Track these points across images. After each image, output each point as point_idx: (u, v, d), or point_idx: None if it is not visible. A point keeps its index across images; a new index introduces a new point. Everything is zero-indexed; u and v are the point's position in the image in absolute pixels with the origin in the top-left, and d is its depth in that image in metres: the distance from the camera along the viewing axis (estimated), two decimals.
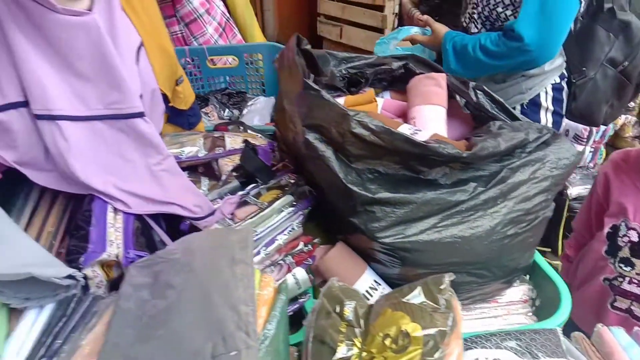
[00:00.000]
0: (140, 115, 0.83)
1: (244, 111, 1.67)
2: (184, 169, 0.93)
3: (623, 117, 1.94)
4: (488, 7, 1.31)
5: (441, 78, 0.97)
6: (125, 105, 0.81)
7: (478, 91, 0.96)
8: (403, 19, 2.34)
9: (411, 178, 0.80)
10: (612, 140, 2.04)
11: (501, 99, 0.95)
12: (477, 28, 1.38)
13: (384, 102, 1.08)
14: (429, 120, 0.94)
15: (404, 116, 1.06)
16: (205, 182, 0.91)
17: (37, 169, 0.83)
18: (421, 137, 0.84)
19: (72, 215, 0.90)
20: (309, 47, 0.88)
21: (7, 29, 0.74)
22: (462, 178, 0.82)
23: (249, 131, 1.25)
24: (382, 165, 0.78)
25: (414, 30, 1.54)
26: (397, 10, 2.41)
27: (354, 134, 0.73)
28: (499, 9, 1.29)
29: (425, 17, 1.50)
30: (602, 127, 1.88)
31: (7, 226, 0.72)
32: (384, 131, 0.73)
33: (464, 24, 1.45)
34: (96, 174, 0.82)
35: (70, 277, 0.65)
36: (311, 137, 0.76)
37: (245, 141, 0.93)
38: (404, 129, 0.86)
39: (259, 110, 1.65)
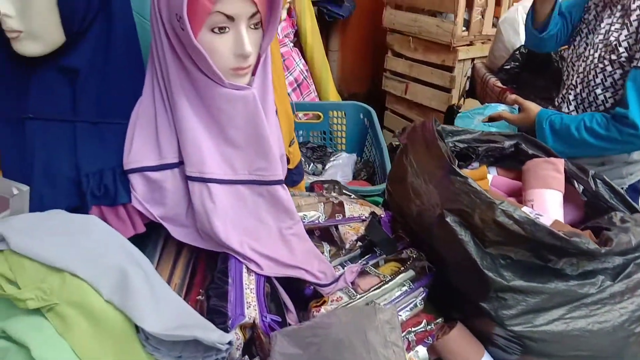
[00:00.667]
0: (280, 182, 0.87)
1: (327, 166, 1.72)
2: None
3: None
4: (587, 89, 1.34)
5: (560, 163, 0.99)
6: (269, 172, 0.86)
7: (597, 180, 0.97)
8: (475, 82, 2.40)
9: (540, 266, 0.81)
10: None
11: (621, 190, 0.96)
12: (568, 108, 1.41)
13: (493, 178, 1.10)
14: (548, 205, 0.95)
15: (513, 195, 1.08)
16: (327, 247, 0.94)
17: (178, 225, 0.88)
18: (544, 222, 0.86)
19: (195, 269, 0.94)
20: (440, 128, 0.92)
21: (176, 97, 0.81)
22: (589, 270, 0.82)
23: (344, 191, 1.29)
24: (514, 252, 0.80)
25: (501, 108, 1.57)
26: (469, 73, 2.46)
27: (496, 222, 0.76)
28: (598, 91, 1.32)
29: (514, 96, 1.52)
30: None
31: (160, 284, 0.75)
32: (527, 222, 0.75)
33: (556, 103, 1.48)
34: (235, 234, 0.86)
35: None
36: (450, 219, 0.78)
37: (372, 213, 0.96)
38: (526, 212, 0.88)
39: (341, 166, 1.70)
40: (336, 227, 0.97)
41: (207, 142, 0.83)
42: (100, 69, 0.83)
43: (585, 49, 1.38)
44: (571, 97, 1.39)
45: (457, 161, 0.83)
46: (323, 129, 1.86)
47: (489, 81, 2.17)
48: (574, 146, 1.28)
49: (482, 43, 2.63)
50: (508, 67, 2.03)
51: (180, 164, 0.85)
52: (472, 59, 2.62)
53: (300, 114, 1.84)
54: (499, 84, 2.07)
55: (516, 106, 1.53)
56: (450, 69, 2.66)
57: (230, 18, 0.76)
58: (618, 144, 1.23)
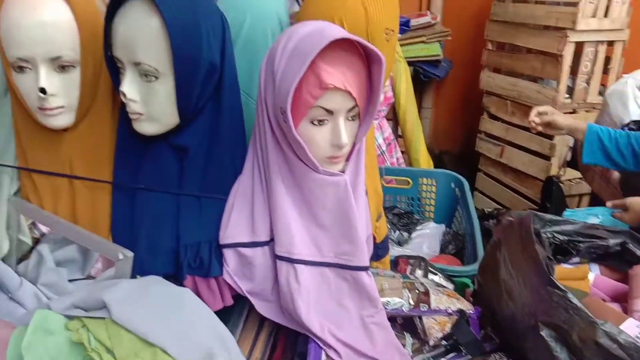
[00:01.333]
0: (366, 269, 0.87)
1: (413, 235, 1.69)
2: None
3: None
4: None
5: None
6: (355, 258, 0.86)
7: None
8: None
9: None
10: None
11: None
12: None
13: (595, 278, 1.02)
14: None
15: (617, 298, 0.99)
16: (409, 340, 0.92)
17: (263, 300, 0.90)
18: None
19: (275, 344, 0.95)
20: (538, 225, 0.87)
21: (273, 179, 0.84)
22: None
23: (430, 269, 1.26)
24: None
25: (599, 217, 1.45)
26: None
27: (598, 344, 0.70)
28: None
29: (628, 200, 1.38)
30: None
31: None
32: (634, 348, 0.68)
33: None
34: (316, 317, 0.86)
35: None
36: (545, 333, 0.73)
37: (461, 311, 0.92)
38: (631, 327, 0.81)
39: (428, 237, 1.66)
40: (420, 317, 0.94)
41: (297, 223, 0.85)
42: (207, 148, 0.89)
43: None
44: None
45: (555, 266, 0.78)
46: (411, 195, 1.84)
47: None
48: None
49: (587, 111, 2.49)
50: None
51: (270, 241, 0.88)
52: None
53: (389, 179, 1.84)
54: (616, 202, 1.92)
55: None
56: (550, 136, 2.53)
57: (329, 112, 0.79)
58: None
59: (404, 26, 2.83)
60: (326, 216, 0.86)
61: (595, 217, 1.40)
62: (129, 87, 0.81)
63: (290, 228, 0.85)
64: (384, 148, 2.00)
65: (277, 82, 0.78)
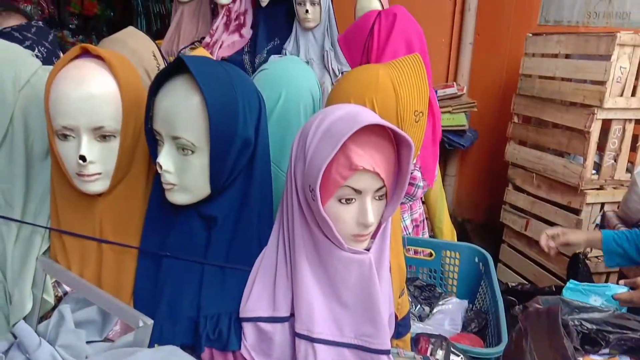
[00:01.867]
0: (387, 352, 0.85)
1: (435, 310, 1.65)
2: None
3: None
4: None
5: None
6: (376, 340, 0.84)
7: None
8: (603, 229, 2.22)
9: None
10: None
11: None
12: None
13: None
14: None
15: None
16: None
17: None
18: None
19: None
20: (565, 315, 0.85)
21: (297, 254, 0.84)
22: None
23: (452, 349, 1.21)
24: None
25: (622, 290, 1.39)
26: (598, 221, 2.30)
27: None
28: None
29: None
30: None
31: None
32: None
33: None
34: None
35: None
36: None
37: None
38: None
39: (450, 313, 1.62)
40: None
41: (319, 300, 0.84)
42: (235, 219, 0.91)
43: None
44: None
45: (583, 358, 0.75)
46: (434, 267, 1.81)
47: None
48: None
49: (614, 188, 2.46)
50: None
51: (291, 316, 0.87)
52: (602, 204, 2.45)
53: (412, 250, 1.82)
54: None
55: None
56: (576, 212, 2.50)
57: (357, 191, 0.80)
58: None
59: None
60: (349, 295, 0.85)
61: (597, 296, 1.34)
62: (166, 159, 0.84)
63: (312, 305, 0.84)
64: (410, 230, 1.99)
65: (307, 160, 0.80)
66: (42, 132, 0.97)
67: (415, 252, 1.83)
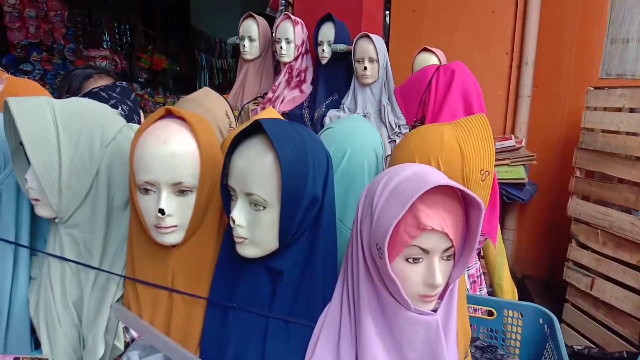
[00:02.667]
0: None
1: None
2: None
3: None
4: None
5: None
6: None
7: None
8: None
9: None
10: None
11: None
12: None
13: None
14: None
15: None
16: None
17: None
18: None
19: None
20: None
21: (362, 312, 0.85)
22: None
23: None
24: None
25: None
26: None
27: None
28: None
29: None
30: None
31: None
32: None
33: None
34: None
35: None
36: None
37: None
38: None
39: None
40: None
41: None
42: (300, 273, 0.93)
43: None
44: None
45: None
46: (495, 327, 1.74)
47: None
48: None
49: None
50: None
51: None
52: None
53: (472, 308, 1.76)
54: None
55: None
56: None
57: (425, 251, 0.80)
58: None
59: None
60: (414, 356, 0.84)
61: None
62: (239, 214, 0.88)
63: None
64: (467, 285, 1.94)
65: (375, 218, 0.81)
66: (123, 186, 1.04)
67: (475, 310, 1.77)
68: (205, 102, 1.23)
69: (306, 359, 0.88)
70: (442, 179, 0.79)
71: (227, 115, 1.24)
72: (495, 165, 3.11)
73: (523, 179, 2.95)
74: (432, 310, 0.84)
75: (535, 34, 3.23)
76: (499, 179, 2.89)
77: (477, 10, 3.32)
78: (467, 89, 1.49)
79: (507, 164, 2.94)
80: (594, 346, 2.45)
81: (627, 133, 2.50)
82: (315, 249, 0.93)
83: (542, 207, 3.28)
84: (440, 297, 0.86)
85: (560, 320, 2.84)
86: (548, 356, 1.60)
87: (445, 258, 0.82)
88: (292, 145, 0.86)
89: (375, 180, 0.87)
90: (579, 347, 2.19)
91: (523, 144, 3.14)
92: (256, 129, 0.89)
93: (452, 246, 0.81)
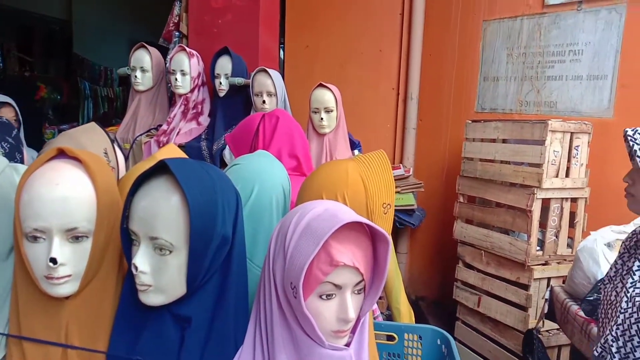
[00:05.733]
0: None
1: None
2: None
3: None
4: (631, 344, 1.22)
5: None
6: None
7: None
8: (554, 306, 2.30)
9: None
10: None
11: None
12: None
13: None
14: None
15: None
16: None
17: None
18: None
19: None
20: None
21: (277, 353, 0.83)
22: None
23: None
24: None
25: None
26: (547, 295, 2.39)
27: None
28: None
29: None
30: None
31: None
32: None
33: (595, 353, 1.37)
34: None
35: None
36: None
37: None
38: None
39: None
40: None
41: None
42: (210, 318, 0.89)
43: (616, 297, 1.31)
44: (614, 350, 1.27)
45: None
46: (397, 352, 1.80)
47: (570, 308, 2.09)
48: None
49: (558, 263, 2.59)
50: (591, 298, 1.96)
51: None
52: (548, 279, 2.57)
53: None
54: (582, 314, 1.98)
55: None
56: (525, 287, 2.60)
57: (338, 287, 0.81)
58: None
59: None
60: None
61: None
62: (142, 259, 0.82)
63: None
64: None
65: (288, 257, 0.81)
66: (4, 234, 0.93)
67: (377, 337, 1.82)
68: (83, 139, 1.14)
69: None
70: (352, 215, 0.82)
71: (105, 154, 1.17)
72: None
73: (413, 205, 3.13)
74: (345, 345, 0.85)
75: (418, 71, 3.49)
76: None
77: (366, 49, 3.52)
78: (291, 132, 1.64)
79: (397, 192, 3.09)
80: None
81: (502, 161, 2.77)
82: (226, 292, 0.90)
83: (431, 231, 3.49)
84: (352, 331, 0.88)
85: (453, 338, 3.01)
86: None
87: (356, 292, 0.84)
88: (201, 185, 0.83)
89: (286, 218, 0.87)
90: None
91: (411, 172, 3.34)
92: (160, 168, 0.85)
93: (363, 280, 0.83)
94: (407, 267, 3.59)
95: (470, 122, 2.97)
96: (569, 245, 2.62)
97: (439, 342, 1.76)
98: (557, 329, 2.51)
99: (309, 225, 0.81)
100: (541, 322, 2.43)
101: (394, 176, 3.16)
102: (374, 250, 0.86)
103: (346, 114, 2.41)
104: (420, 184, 3.19)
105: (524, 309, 2.61)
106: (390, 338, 1.83)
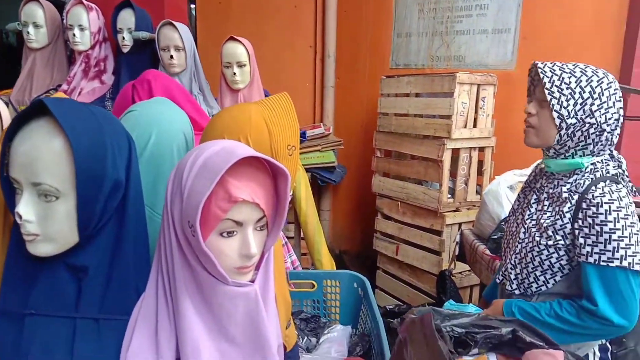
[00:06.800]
0: None
1: (321, 339, 1.68)
2: None
3: None
4: (527, 270, 1.35)
5: (560, 355, 0.99)
6: None
7: None
8: (464, 248, 2.46)
9: None
10: None
11: None
12: (511, 287, 1.40)
13: None
14: None
15: None
16: None
17: None
18: None
19: None
20: (438, 322, 0.93)
21: (179, 295, 0.82)
22: None
23: None
24: None
25: (473, 309, 1.55)
26: (457, 239, 2.54)
27: None
28: (538, 273, 1.32)
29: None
30: None
31: None
32: None
33: (497, 280, 1.49)
34: None
35: None
36: None
37: None
38: None
39: (335, 341, 1.66)
40: None
41: (207, 342, 0.82)
42: (108, 267, 0.86)
43: (517, 228, 1.43)
44: (512, 277, 1.40)
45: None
46: (317, 298, 1.85)
47: (478, 248, 2.24)
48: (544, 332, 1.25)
49: (468, 209, 2.76)
50: (495, 237, 2.11)
51: None
52: (460, 224, 2.73)
53: (293, 284, 1.84)
54: (488, 252, 2.13)
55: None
56: (438, 233, 2.74)
57: (238, 223, 0.81)
58: (591, 332, 1.25)
59: (302, 137, 3.03)
60: (237, 330, 0.84)
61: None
62: (26, 208, 0.77)
63: (199, 347, 0.81)
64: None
65: (185, 196, 0.79)
66: None
67: (297, 286, 1.86)
68: None
69: (122, 354, 0.83)
70: (249, 151, 0.81)
71: None
72: (308, 152, 3.29)
73: (333, 162, 3.18)
74: (249, 282, 0.85)
75: (335, 29, 3.49)
76: (312, 164, 3.07)
77: (281, 4, 3.45)
78: (169, 89, 1.51)
79: (318, 150, 3.13)
80: (402, 304, 2.77)
81: (415, 115, 2.86)
82: (123, 239, 0.87)
83: (352, 187, 3.58)
84: (257, 268, 0.88)
85: (375, 286, 3.15)
86: (364, 316, 1.76)
87: (258, 229, 0.84)
88: (84, 125, 0.78)
89: (183, 158, 0.85)
90: (390, 307, 2.45)
91: (331, 130, 3.38)
92: (41, 111, 0.79)
93: (264, 216, 0.83)
94: (331, 223, 3.67)
95: (384, 77, 3.03)
96: (478, 192, 2.78)
97: (355, 285, 1.82)
98: (469, 271, 2.68)
99: (205, 163, 0.79)
100: (453, 264, 2.59)
101: (315, 135, 3.20)
102: (276, 188, 0.86)
103: (264, 72, 2.37)
104: (340, 141, 3.23)
105: (438, 253, 2.76)
106: (312, 287, 1.88)
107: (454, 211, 2.75)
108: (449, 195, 2.75)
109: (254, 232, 0.83)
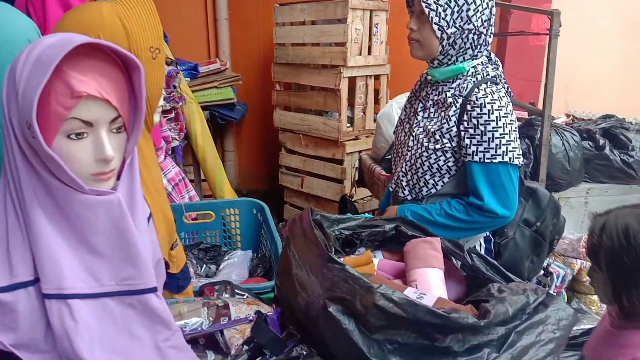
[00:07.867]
0: (153, 290, 0.81)
1: (221, 266, 1.66)
2: (187, 341, 0.89)
3: (579, 262, 2.08)
4: (417, 176, 1.41)
5: (437, 242, 1.03)
6: (140, 280, 0.80)
7: (473, 254, 1.02)
8: (363, 173, 2.52)
9: (427, 346, 0.80)
10: (571, 285, 2.16)
11: (495, 262, 1.01)
12: (403, 193, 1.46)
13: (379, 262, 1.11)
14: (431, 283, 0.97)
15: (400, 276, 1.09)
16: (211, 356, 0.87)
17: (35, 352, 0.77)
18: (427, 301, 0.88)
19: None
20: (318, 217, 0.93)
21: (29, 208, 0.75)
22: (474, 344, 0.83)
23: (236, 291, 1.24)
24: (399, 335, 0.79)
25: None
26: (357, 165, 2.59)
27: (377, 306, 0.75)
28: (427, 177, 1.39)
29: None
30: (562, 273, 2.00)
31: None
32: (406, 303, 0.76)
33: (391, 188, 1.56)
34: (102, 355, 0.77)
35: None
36: (334, 309, 0.77)
37: (258, 312, 0.91)
38: (410, 293, 0.89)
39: (236, 265, 1.65)
40: (222, 332, 0.91)
41: (66, 254, 0.76)
42: None
43: (405, 137, 1.48)
44: (404, 183, 1.46)
45: (334, 248, 0.83)
46: (216, 228, 1.82)
47: (375, 171, 2.30)
48: (435, 231, 1.31)
49: (367, 137, 2.81)
50: (389, 157, 2.17)
51: (36, 281, 0.76)
52: (359, 151, 2.78)
53: (192, 215, 1.79)
54: (384, 173, 2.19)
55: None
56: (340, 162, 2.78)
57: (88, 124, 0.73)
58: (479, 226, 1.35)
59: (194, 71, 2.87)
60: (101, 241, 0.78)
61: None
62: None
63: (58, 260, 0.74)
64: (169, 189, 1.95)
65: (20, 94, 0.70)
66: None
67: (195, 218, 1.81)
68: None
69: None
70: (90, 39, 0.72)
71: None
72: (204, 89, 3.14)
73: (232, 99, 3.07)
74: (111, 189, 0.79)
75: None
76: (210, 102, 2.94)
77: None
78: None
79: (215, 87, 3.00)
80: None
81: (312, 44, 2.81)
82: None
83: (254, 124, 3.50)
84: (119, 177, 0.82)
85: (282, 220, 3.17)
86: (264, 239, 1.76)
87: (115, 131, 0.77)
88: None
89: (17, 56, 0.74)
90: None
91: (228, 66, 3.24)
92: None
93: (120, 116, 0.76)
94: (236, 163, 3.60)
95: (278, 5, 2.93)
96: (375, 120, 2.83)
97: (254, 211, 1.81)
98: (370, 196, 2.77)
99: (39, 56, 0.70)
100: (354, 189, 2.65)
101: (210, 70, 3.05)
102: (131, 86, 0.79)
103: None
104: (238, 76, 3.12)
105: (340, 182, 2.81)
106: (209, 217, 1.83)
107: (354, 139, 2.79)
108: (348, 124, 2.78)
109: (109, 135, 0.75)
